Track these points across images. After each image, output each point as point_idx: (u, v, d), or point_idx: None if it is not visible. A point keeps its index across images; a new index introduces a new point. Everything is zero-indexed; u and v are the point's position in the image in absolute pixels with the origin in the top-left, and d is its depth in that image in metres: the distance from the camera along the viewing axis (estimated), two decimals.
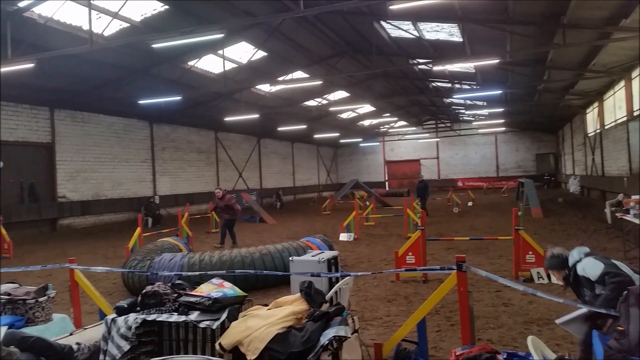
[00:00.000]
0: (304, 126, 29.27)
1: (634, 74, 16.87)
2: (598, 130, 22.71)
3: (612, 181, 19.82)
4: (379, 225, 17.20)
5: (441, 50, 18.66)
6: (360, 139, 44.02)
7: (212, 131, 29.60)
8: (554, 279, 7.45)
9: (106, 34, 13.71)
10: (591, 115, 25.07)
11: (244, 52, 18.21)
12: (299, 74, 21.75)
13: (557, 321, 3.79)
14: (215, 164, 30.04)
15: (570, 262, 3.91)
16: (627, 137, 17.03)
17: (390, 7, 9.87)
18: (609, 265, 3.64)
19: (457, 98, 29.29)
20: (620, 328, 3.22)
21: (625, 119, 17.74)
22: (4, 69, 12.03)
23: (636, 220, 8.50)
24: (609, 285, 3.53)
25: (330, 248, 8.55)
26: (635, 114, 16.87)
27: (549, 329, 5.35)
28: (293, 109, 27.31)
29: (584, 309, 3.55)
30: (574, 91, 22.41)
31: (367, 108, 33.49)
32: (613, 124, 20.00)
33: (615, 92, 19.64)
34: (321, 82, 20.69)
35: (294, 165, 40.54)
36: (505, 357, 3.31)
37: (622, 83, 18.00)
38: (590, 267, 3.72)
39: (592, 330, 3.52)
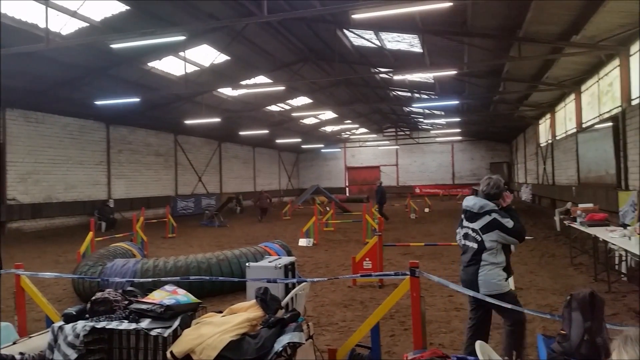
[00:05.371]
0: (266, 131, 29.18)
1: (584, 87, 17.70)
2: (549, 141, 23.65)
3: (562, 190, 20.66)
4: (338, 230, 17.31)
5: (402, 60, 19.04)
6: (322, 145, 44.24)
7: (171, 134, 29.07)
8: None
9: (64, 32, 13.30)
10: (543, 126, 26.10)
11: (206, 55, 18.00)
12: (261, 79, 21.69)
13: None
14: (174, 168, 29.49)
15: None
16: (576, 148, 17.82)
17: (353, 16, 9.98)
18: None
19: (416, 107, 29.91)
20: (562, 332, 3.36)
21: (574, 130, 18.56)
22: None
23: (582, 228, 8.88)
24: None
25: (289, 253, 8.54)
26: (584, 125, 17.69)
27: (498, 333, 5.50)
28: (255, 113, 27.20)
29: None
30: (527, 103, 23.30)
31: (329, 114, 33.70)
32: (563, 135, 20.89)
33: (566, 105, 20.53)
34: (284, 87, 20.70)
35: (255, 170, 40.30)
36: None
37: (573, 96, 18.85)
38: None
39: (538, 335, 3.67)
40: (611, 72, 14.38)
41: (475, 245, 4.16)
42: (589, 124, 17.07)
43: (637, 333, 1.44)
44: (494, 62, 16.11)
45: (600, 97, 15.75)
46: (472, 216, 4.22)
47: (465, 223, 4.30)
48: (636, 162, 12.05)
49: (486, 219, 4.10)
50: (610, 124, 13.74)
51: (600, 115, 15.68)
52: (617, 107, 13.58)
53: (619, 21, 11.50)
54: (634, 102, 12.47)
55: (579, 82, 17.70)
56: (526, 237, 4.43)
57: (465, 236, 4.28)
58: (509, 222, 4.06)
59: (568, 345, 3.25)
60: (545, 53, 14.68)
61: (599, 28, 11.87)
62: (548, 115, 24.16)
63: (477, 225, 4.15)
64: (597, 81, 15.85)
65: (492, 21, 13.17)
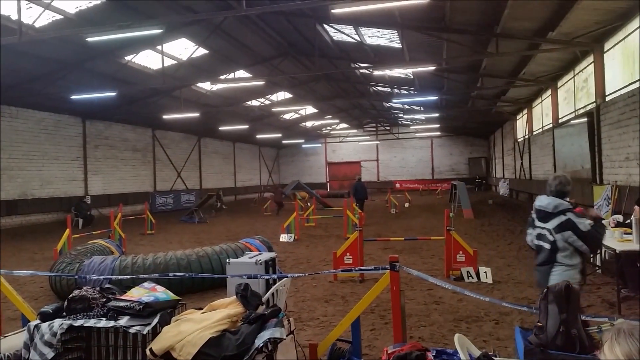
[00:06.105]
0: (246, 126, 29.00)
1: (560, 83, 18.01)
2: (527, 136, 24.03)
3: (539, 185, 21.01)
4: (320, 226, 17.32)
5: (381, 56, 19.09)
6: (303, 140, 44.19)
7: (149, 129, 28.67)
8: (483, 278, 7.82)
9: (37, 25, 12.98)
10: (521, 121, 26.50)
11: (184, 48, 17.78)
12: (241, 73, 21.53)
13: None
14: (152, 163, 29.11)
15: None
16: (553, 143, 18.13)
17: (333, 11, 9.97)
18: None
19: (396, 102, 30.05)
20: (539, 324, 3.42)
21: (551, 125, 18.89)
22: None
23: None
24: None
25: (270, 249, 8.52)
26: (560, 121, 18.00)
27: (477, 326, 5.60)
28: (235, 108, 27.00)
29: None
30: (505, 98, 23.61)
31: (310, 110, 33.67)
32: (540, 130, 21.24)
33: (542, 100, 20.87)
34: (264, 82, 20.59)
35: (235, 166, 40.04)
36: (434, 354, 3.42)
37: (549, 92, 19.18)
38: None
39: (516, 327, 3.73)
40: (586, 69, 14.66)
41: (548, 246, 4.09)
42: (565, 119, 17.39)
43: (629, 326, 1.45)
44: (472, 58, 16.27)
45: (575, 92, 16.05)
46: (546, 216, 4.13)
47: (538, 223, 4.21)
48: (610, 157, 12.33)
49: (561, 218, 4.02)
50: (585, 119, 14.01)
51: (576, 110, 15.98)
52: (592, 102, 13.86)
53: (593, 18, 11.73)
54: (608, 98, 12.74)
55: (555, 78, 18.01)
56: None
57: (540, 237, 4.19)
58: (583, 225, 3.95)
59: (544, 336, 3.31)
60: (522, 49, 14.89)
61: (574, 25, 12.09)
62: (525, 111, 24.53)
63: (550, 225, 4.07)
64: (573, 77, 16.15)
65: (470, 17, 13.30)
